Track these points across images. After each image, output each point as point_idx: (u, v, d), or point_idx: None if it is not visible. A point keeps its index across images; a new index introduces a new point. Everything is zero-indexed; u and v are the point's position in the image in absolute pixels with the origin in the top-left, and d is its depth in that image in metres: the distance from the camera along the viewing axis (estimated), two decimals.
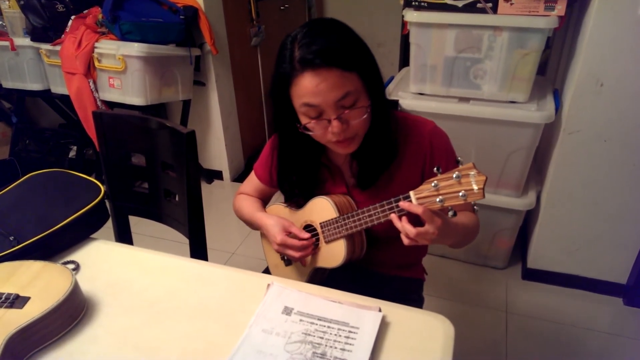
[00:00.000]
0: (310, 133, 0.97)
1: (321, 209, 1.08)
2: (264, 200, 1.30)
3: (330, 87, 0.89)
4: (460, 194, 0.80)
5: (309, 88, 0.89)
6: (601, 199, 1.81)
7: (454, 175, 0.80)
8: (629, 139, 1.67)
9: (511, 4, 1.62)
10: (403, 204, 0.87)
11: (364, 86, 0.93)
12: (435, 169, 0.83)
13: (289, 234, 1.10)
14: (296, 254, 1.07)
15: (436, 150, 1.04)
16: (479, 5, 1.66)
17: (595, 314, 1.92)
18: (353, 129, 0.95)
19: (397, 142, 1.05)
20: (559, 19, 1.60)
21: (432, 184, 0.83)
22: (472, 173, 0.79)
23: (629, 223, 1.82)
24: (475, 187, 0.79)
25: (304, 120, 0.96)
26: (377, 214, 0.95)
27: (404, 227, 0.86)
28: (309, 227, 1.13)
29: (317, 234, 1.10)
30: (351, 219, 1.01)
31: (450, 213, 0.82)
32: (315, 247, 1.11)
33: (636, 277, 1.88)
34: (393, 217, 0.89)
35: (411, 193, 0.87)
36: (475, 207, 0.82)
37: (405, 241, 0.88)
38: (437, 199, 0.83)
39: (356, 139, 0.98)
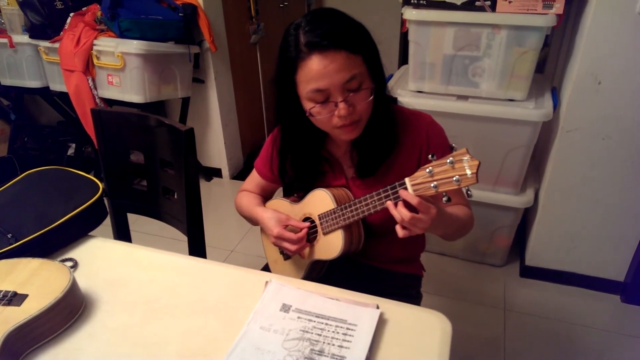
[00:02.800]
0: (316, 118, 0.97)
1: (320, 200, 1.08)
2: (266, 197, 1.30)
3: (337, 68, 0.90)
4: (454, 179, 0.80)
5: (317, 70, 0.90)
6: (599, 197, 1.82)
7: (448, 161, 0.81)
8: (627, 136, 1.67)
9: (510, 2, 1.62)
10: (401, 193, 0.87)
11: (368, 70, 0.94)
12: (430, 155, 0.84)
13: (287, 226, 1.10)
14: (292, 247, 1.08)
15: (432, 141, 1.05)
16: (477, 3, 1.66)
17: (593, 311, 1.92)
18: (358, 113, 0.96)
19: (396, 131, 1.05)
20: (557, 17, 1.60)
21: (427, 170, 0.84)
22: (466, 158, 0.80)
23: (627, 220, 1.82)
24: (468, 171, 0.79)
25: (309, 105, 0.96)
26: (373, 202, 0.95)
27: (400, 211, 0.87)
28: (308, 220, 1.13)
29: (315, 226, 1.10)
30: (348, 209, 1.01)
31: (444, 199, 0.83)
32: (313, 240, 1.11)
33: (634, 275, 1.88)
34: (389, 204, 0.90)
35: (406, 180, 0.88)
36: (468, 192, 0.82)
37: (400, 233, 0.88)
38: (432, 185, 0.83)
39: (360, 123, 0.98)
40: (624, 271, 1.93)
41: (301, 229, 1.09)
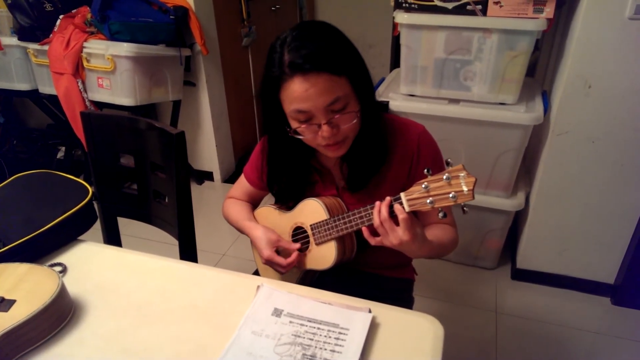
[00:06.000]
0: (300, 137, 0.97)
1: (312, 210, 1.07)
2: (254, 204, 1.29)
3: (319, 92, 0.89)
4: (451, 195, 0.80)
5: (299, 93, 0.89)
6: (589, 200, 1.83)
7: (444, 177, 0.81)
8: (616, 139, 1.69)
9: (500, 7, 1.63)
10: (396, 208, 0.87)
11: (353, 90, 0.93)
12: (425, 170, 0.84)
13: (278, 246, 1.10)
14: (282, 270, 1.09)
15: (423, 151, 1.05)
16: (468, 7, 1.67)
17: (583, 313, 1.93)
18: (343, 133, 0.95)
19: (387, 144, 1.05)
20: (548, 21, 1.62)
21: (423, 186, 0.84)
22: (462, 174, 0.80)
23: (617, 223, 1.84)
24: (465, 188, 0.79)
25: (294, 124, 0.96)
26: (367, 215, 0.95)
27: (382, 212, 0.88)
28: (299, 229, 1.12)
29: (307, 236, 1.10)
30: (341, 221, 1.01)
31: (440, 214, 0.83)
32: (306, 249, 1.10)
33: (624, 277, 1.90)
34: (375, 209, 0.91)
35: (402, 195, 0.87)
36: (464, 208, 0.82)
37: (371, 240, 0.92)
38: (428, 200, 0.83)
39: (346, 142, 0.98)
40: (614, 273, 1.95)
41: (292, 251, 1.09)
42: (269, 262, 1.09)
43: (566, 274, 2.02)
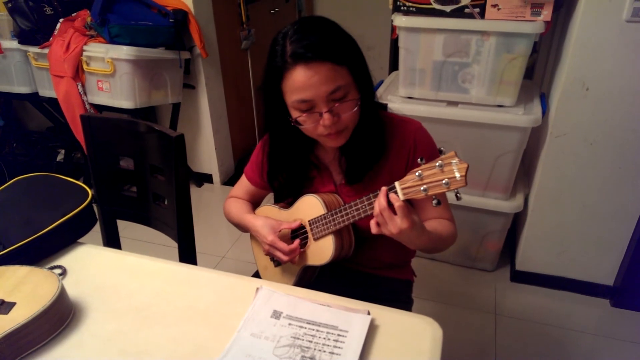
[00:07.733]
0: (301, 127, 0.99)
1: (310, 206, 1.09)
2: (255, 203, 1.30)
3: (321, 80, 0.91)
4: (444, 181, 0.81)
5: (301, 81, 0.91)
6: (588, 201, 1.83)
7: (437, 164, 0.82)
8: (614, 141, 1.70)
9: (498, 9, 1.64)
10: (391, 197, 0.88)
11: (353, 80, 0.96)
12: (419, 159, 0.85)
13: (279, 231, 1.10)
14: (284, 257, 1.08)
15: (419, 146, 1.07)
16: (466, 10, 1.68)
17: (583, 315, 1.94)
18: (343, 122, 0.97)
19: (385, 138, 1.07)
20: (545, 24, 1.62)
21: (416, 174, 0.85)
22: (454, 161, 0.81)
23: (615, 225, 1.84)
24: (457, 174, 0.80)
25: (295, 114, 0.97)
26: (363, 206, 0.96)
27: (380, 202, 0.88)
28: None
29: (306, 232, 1.10)
30: (339, 214, 1.02)
31: (434, 202, 0.84)
32: (304, 245, 1.11)
33: (623, 279, 1.90)
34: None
35: (396, 183, 0.89)
36: (457, 194, 0.83)
37: (374, 228, 0.90)
38: (422, 188, 0.84)
39: (346, 132, 1.00)
40: (613, 275, 1.95)
41: (293, 232, 1.09)
42: (271, 249, 1.10)
43: (565, 275, 2.02)
